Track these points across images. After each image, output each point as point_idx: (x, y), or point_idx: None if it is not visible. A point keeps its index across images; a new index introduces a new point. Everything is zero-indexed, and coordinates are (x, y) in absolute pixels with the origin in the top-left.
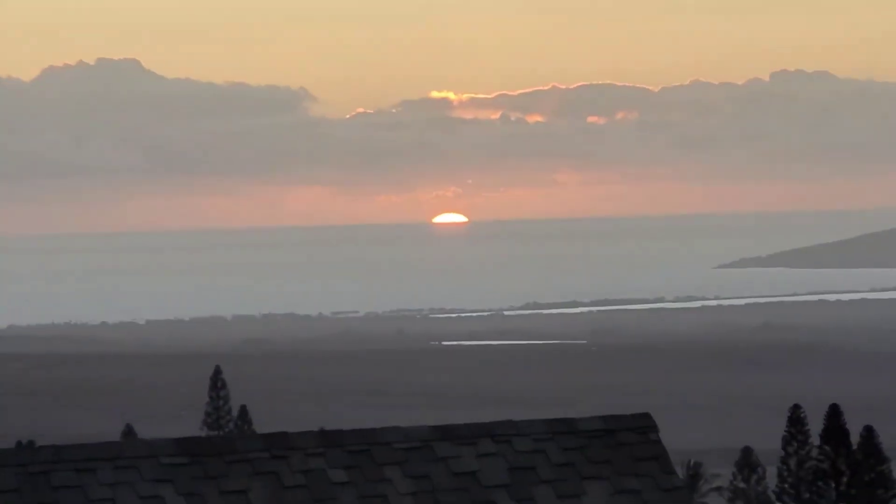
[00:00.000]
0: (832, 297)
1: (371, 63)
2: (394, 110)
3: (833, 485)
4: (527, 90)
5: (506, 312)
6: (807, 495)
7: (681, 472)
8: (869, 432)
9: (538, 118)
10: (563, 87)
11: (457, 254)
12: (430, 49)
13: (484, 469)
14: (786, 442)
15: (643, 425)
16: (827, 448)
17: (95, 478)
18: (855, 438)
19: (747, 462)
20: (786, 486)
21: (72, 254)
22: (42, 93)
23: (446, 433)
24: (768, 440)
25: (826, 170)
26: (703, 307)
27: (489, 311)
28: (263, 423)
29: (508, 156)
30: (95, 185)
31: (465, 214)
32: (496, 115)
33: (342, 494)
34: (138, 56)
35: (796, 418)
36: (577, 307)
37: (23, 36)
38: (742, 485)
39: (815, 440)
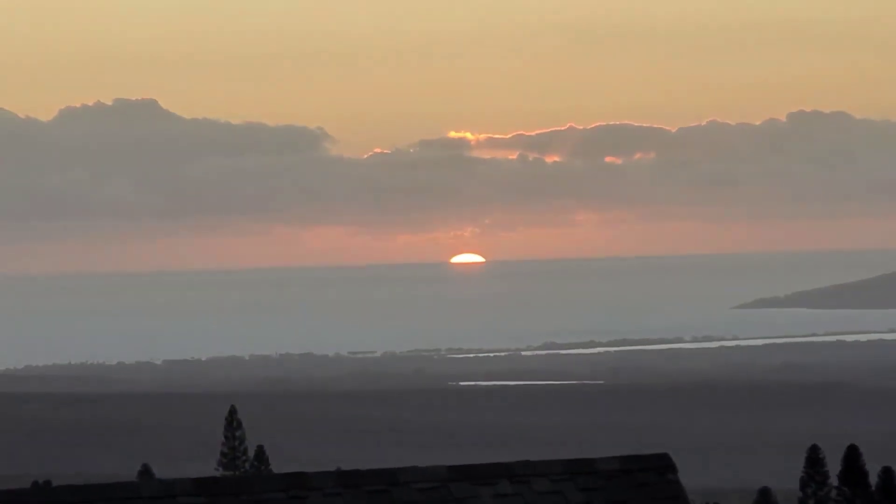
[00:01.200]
0: (850, 338)
1: (388, 103)
2: (411, 150)
3: None
4: (544, 130)
5: (523, 352)
6: None
7: None
8: (887, 473)
9: (555, 158)
10: (581, 127)
11: (474, 293)
12: (447, 89)
13: None
14: (804, 483)
15: (662, 465)
16: (845, 489)
17: None
18: (873, 479)
19: (766, 502)
20: None
21: (89, 293)
22: (60, 133)
23: (464, 473)
24: (786, 481)
25: (844, 209)
26: (721, 347)
27: (507, 350)
28: (280, 464)
29: (526, 196)
30: (113, 224)
31: (482, 254)
32: (514, 155)
33: None
34: (156, 96)
35: (814, 459)
36: (595, 347)
37: (40, 76)
38: None
39: (834, 481)
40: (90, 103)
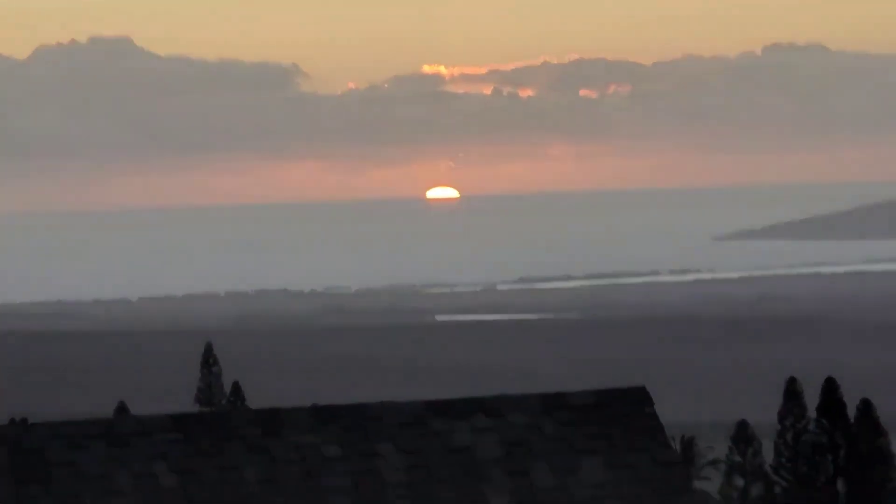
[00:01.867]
0: (827, 270)
1: (362, 38)
2: (385, 85)
3: (830, 458)
4: (518, 64)
5: (499, 286)
6: (804, 469)
7: (675, 445)
8: (866, 405)
9: (530, 92)
10: (555, 61)
11: (450, 228)
12: (421, 24)
13: (478, 444)
14: (782, 416)
15: (638, 399)
16: (824, 422)
17: (89, 455)
18: (852, 412)
19: (743, 436)
20: (782, 460)
21: (64, 231)
22: (35, 71)
23: (440, 408)
24: (764, 414)
25: (819, 142)
26: (698, 280)
27: (482, 285)
28: (256, 400)
29: (501, 130)
30: (88, 162)
31: (457, 188)
32: (488, 90)
33: (335, 470)
34: (130, 34)
35: (792, 392)
36: (571, 280)
37: (15, 15)
38: (738, 459)
39: (812, 413)
40: (65, 41)
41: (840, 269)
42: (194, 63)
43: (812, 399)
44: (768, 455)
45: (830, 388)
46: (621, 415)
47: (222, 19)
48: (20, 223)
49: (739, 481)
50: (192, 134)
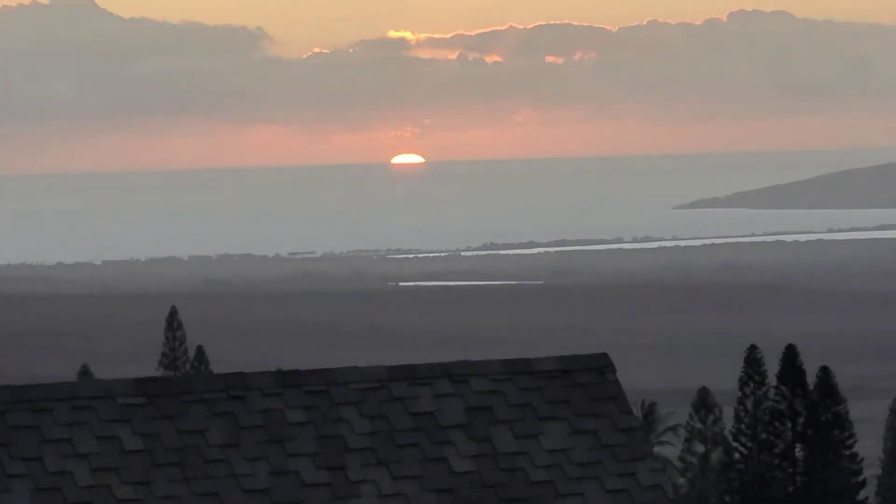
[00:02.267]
0: (789, 238)
1: (328, 2)
2: (350, 50)
3: (789, 425)
4: (484, 30)
5: (463, 253)
6: (763, 436)
7: (636, 412)
8: (825, 373)
9: (496, 58)
10: (521, 26)
11: (414, 194)
12: None
13: (441, 409)
14: (742, 383)
15: (600, 365)
16: (783, 389)
17: (52, 418)
18: (811, 379)
19: (704, 402)
20: (742, 426)
21: (26, 194)
22: None
23: (403, 373)
24: (725, 381)
25: (784, 110)
26: (661, 248)
27: (447, 251)
28: (220, 364)
29: (466, 96)
30: (51, 125)
31: (422, 155)
32: (454, 55)
33: (299, 434)
34: None
35: (753, 359)
36: (534, 248)
37: None
38: (698, 425)
39: (772, 381)
40: (26, 3)
41: (802, 238)
42: (157, 25)
43: (772, 366)
44: (729, 421)
45: (790, 356)
46: (584, 381)
47: None
48: None
49: (699, 447)
50: (155, 97)
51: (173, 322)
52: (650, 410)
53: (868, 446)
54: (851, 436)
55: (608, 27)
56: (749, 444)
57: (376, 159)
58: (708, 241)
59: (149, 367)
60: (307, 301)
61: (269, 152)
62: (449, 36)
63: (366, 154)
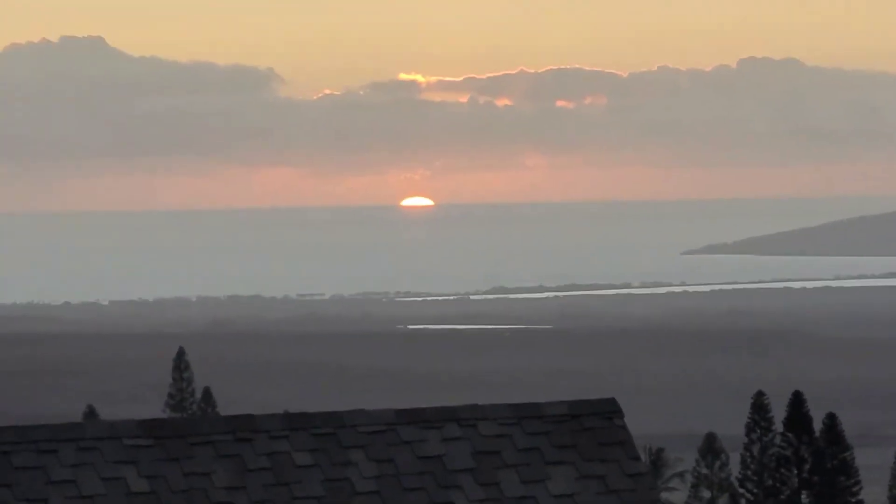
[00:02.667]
0: (797, 285)
1: (339, 44)
2: (361, 92)
3: (795, 472)
4: (495, 73)
5: (472, 296)
6: (769, 482)
7: (644, 457)
8: (832, 420)
9: (506, 101)
10: (532, 70)
11: (424, 237)
12: (398, 31)
13: (449, 453)
14: (749, 428)
15: (609, 410)
16: (790, 435)
17: (58, 459)
18: (818, 425)
19: (710, 448)
20: (748, 472)
21: (35, 232)
22: (6, 70)
23: (411, 417)
24: (732, 426)
25: (792, 157)
26: (669, 293)
27: (455, 294)
28: (227, 406)
29: (476, 139)
30: (60, 164)
31: (432, 197)
32: (464, 98)
33: (307, 477)
34: (103, 33)
35: (760, 405)
36: (543, 292)
37: None
38: (705, 471)
39: (779, 427)
40: (36, 40)
41: (810, 285)
42: (167, 64)
43: (779, 412)
44: (735, 467)
45: (797, 402)
46: (592, 426)
47: (196, 20)
48: None
49: (706, 493)
50: (164, 136)
51: (181, 363)
52: (658, 456)
53: (874, 493)
54: (857, 483)
55: (618, 72)
56: (755, 491)
57: (386, 201)
58: (716, 287)
59: (155, 408)
60: (315, 343)
61: (279, 193)
62: (460, 79)
63: (375, 196)
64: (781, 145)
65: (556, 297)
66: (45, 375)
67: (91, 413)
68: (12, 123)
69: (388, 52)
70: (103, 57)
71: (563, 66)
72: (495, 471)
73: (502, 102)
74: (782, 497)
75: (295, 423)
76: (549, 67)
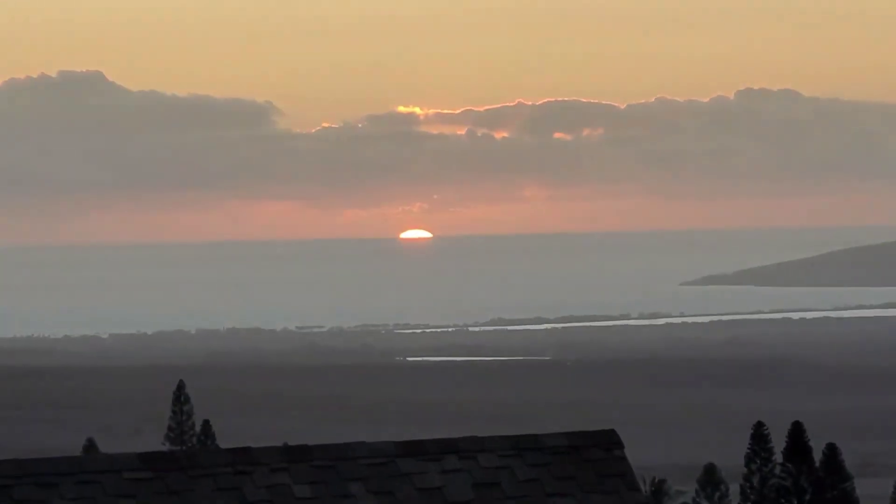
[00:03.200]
0: (796, 316)
1: (337, 77)
2: (360, 125)
3: (795, 502)
4: (493, 106)
5: (471, 328)
6: None
7: (644, 488)
8: (832, 450)
9: (504, 134)
10: (529, 102)
11: (423, 269)
12: (396, 63)
13: (449, 485)
14: (749, 459)
15: (608, 442)
16: (790, 465)
17: (58, 492)
18: (818, 456)
19: (710, 479)
20: (748, 503)
21: (34, 266)
22: (4, 105)
23: (411, 449)
24: (732, 457)
25: (790, 188)
26: (668, 324)
27: (454, 326)
28: (227, 438)
29: (475, 171)
30: (59, 197)
31: (430, 230)
32: (462, 131)
33: None
34: (101, 68)
35: (759, 435)
36: (542, 323)
37: None
38: (705, 502)
39: (779, 457)
40: (34, 75)
41: (809, 315)
42: (166, 98)
43: (779, 443)
44: (735, 498)
45: (797, 432)
46: (592, 458)
47: (195, 54)
48: None
49: None
50: (163, 170)
51: (180, 396)
52: (658, 487)
53: None
54: None
55: (616, 104)
56: None
57: (385, 234)
58: (715, 318)
59: (155, 441)
60: (315, 375)
61: (278, 226)
62: (458, 111)
63: (374, 228)
64: (779, 176)
65: (556, 328)
66: (44, 409)
67: (91, 446)
68: (10, 158)
69: (386, 84)
70: (102, 91)
71: (560, 98)
72: (495, 503)
73: (500, 135)
74: None
75: (295, 455)
76: (546, 99)
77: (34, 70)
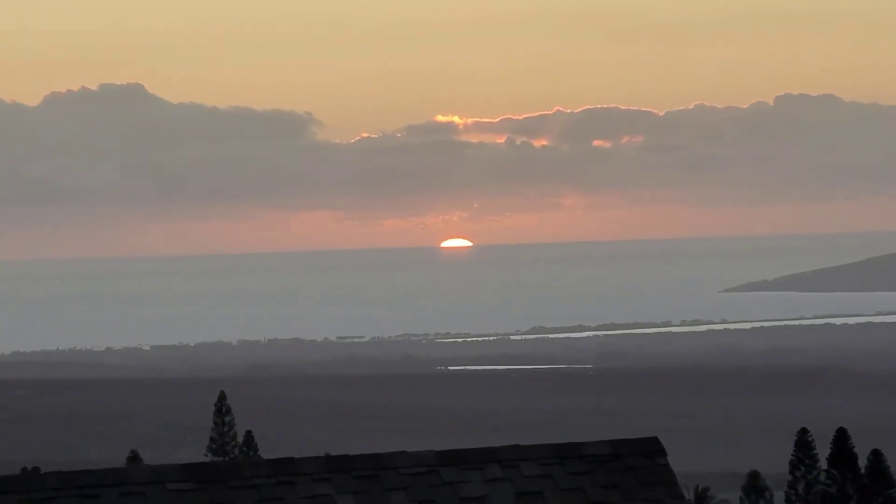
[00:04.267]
0: (839, 321)
1: (376, 87)
2: (399, 134)
3: None
4: (532, 114)
5: (512, 337)
6: None
7: (688, 496)
8: (877, 456)
9: (543, 142)
10: (568, 110)
11: (463, 278)
12: (434, 73)
13: (491, 494)
14: (793, 466)
15: (651, 449)
16: (834, 472)
17: None
18: (863, 462)
19: (754, 486)
20: None
21: (76, 279)
22: (46, 118)
23: (453, 458)
24: (776, 464)
25: (831, 193)
26: (710, 331)
27: (495, 335)
28: (269, 449)
29: (514, 180)
30: (100, 210)
31: (470, 239)
32: (502, 139)
33: None
34: (142, 80)
35: (804, 442)
36: (583, 331)
37: (26, 61)
38: None
39: (823, 464)
40: (75, 88)
41: (851, 321)
42: (206, 110)
43: (823, 450)
44: None
45: (841, 439)
46: (634, 465)
47: (234, 66)
48: (32, 271)
49: None
50: (204, 182)
51: (222, 407)
52: (702, 495)
53: None
54: None
55: (655, 111)
56: None
57: (425, 243)
58: (756, 325)
59: (198, 453)
60: (356, 385)
61: (318, 237)
62: (496, 120)
63: (414, 238)
64: (820, 181)
65: (596, 336)
66: (88, 421)
67: (134, 458)
68: (53, 171)
69: (425, 94)
70: (142, 103)
71: (599, 106)
72: None
73: (539, 143)
74: None
75: (337, 465)
76: (585, 107)
77: (75, 83)
